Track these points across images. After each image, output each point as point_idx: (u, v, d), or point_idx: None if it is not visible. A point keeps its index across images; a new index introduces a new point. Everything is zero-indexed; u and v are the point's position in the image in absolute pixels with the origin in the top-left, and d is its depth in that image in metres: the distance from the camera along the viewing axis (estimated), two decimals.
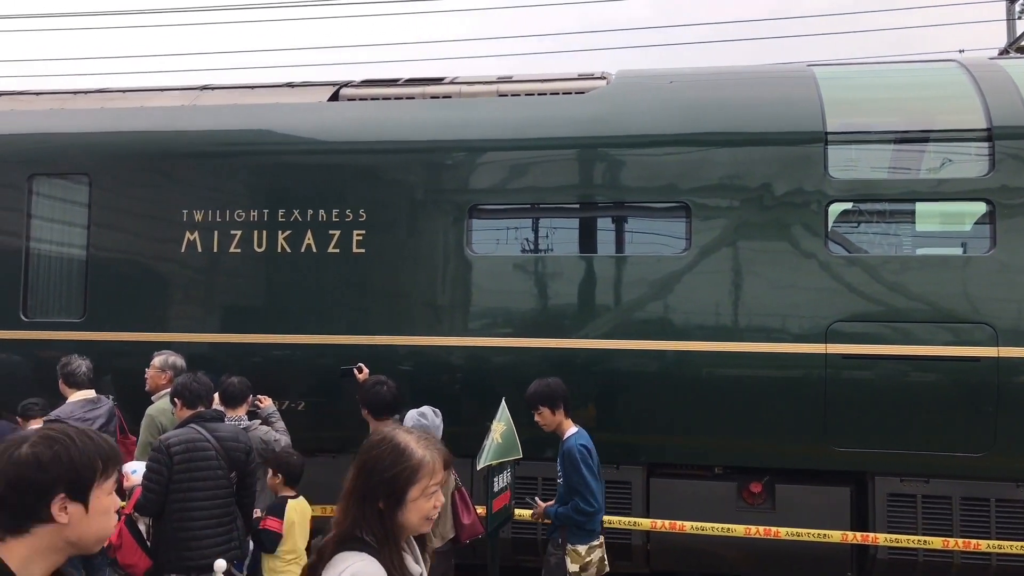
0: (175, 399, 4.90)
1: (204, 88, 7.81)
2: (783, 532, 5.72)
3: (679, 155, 6.36)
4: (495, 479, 4.30)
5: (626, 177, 6.44)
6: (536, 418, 4.65)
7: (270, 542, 4.91)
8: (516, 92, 7.07)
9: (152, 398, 5.85)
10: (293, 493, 5.11)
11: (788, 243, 6.18)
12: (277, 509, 4.96)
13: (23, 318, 7.07)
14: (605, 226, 6.81)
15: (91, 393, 5.84)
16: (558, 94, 6.94)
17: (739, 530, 5.78)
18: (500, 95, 7.09)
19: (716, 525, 5.81)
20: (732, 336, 6.12)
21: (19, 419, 5.86)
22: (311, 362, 6.69)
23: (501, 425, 4.49)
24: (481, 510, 4.70)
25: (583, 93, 6.85)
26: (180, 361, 5.99)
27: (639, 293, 6.32)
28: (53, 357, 6.29)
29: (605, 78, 7.08)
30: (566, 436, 4.68)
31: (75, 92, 8.06)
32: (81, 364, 5.91)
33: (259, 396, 5.91)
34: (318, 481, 5.73)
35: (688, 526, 5.82)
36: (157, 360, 5.97)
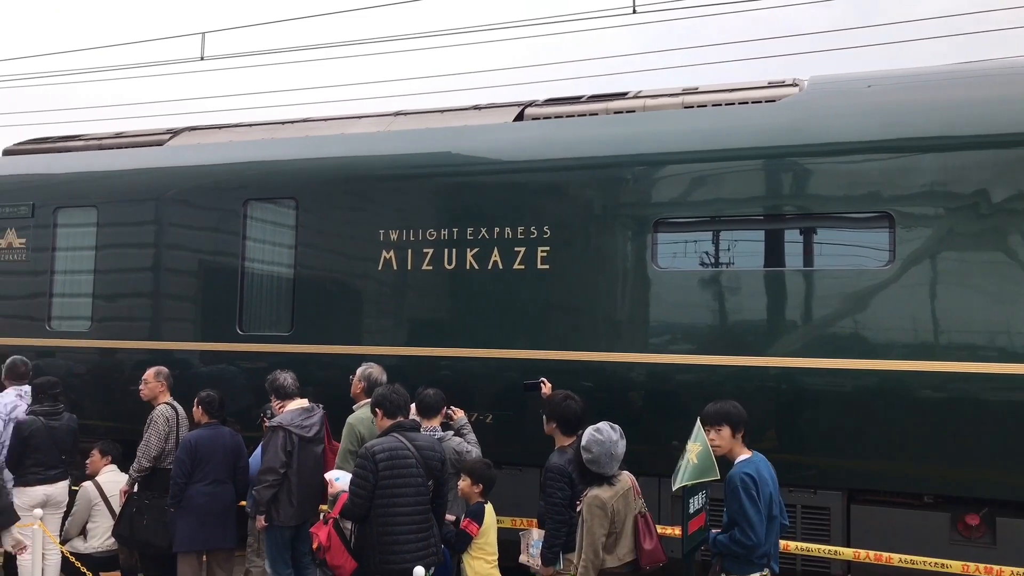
0: (376, 409, 5.13)
1: (398, 114, 8.22)
2: (1007, 572, 5.21)
3: (881, 162, 6.00)
4: (690, 500, 4.19)
5: (823, 187, 6.14)
6: (712, 436, 4.46)
7: (464, 544, 5.07)
8: (703, 103, 6.94)
9: (353, 407, 6.15)
10: (485, 501, 5.26)
11: (1006, 254, 5.67)
12: (477, 514, 5.11)
13: (239, 332, 7.68)
14: (798, 239, 6.50)
15: (304, 402, 6.21)
16: (747, 103, 6.75)
17: (955, 566, 5.32)
18: (686, 107, 6.98)
19: (929, 560, 5.38)
20: (943, 355, 5.67)
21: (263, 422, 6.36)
22: (498, 376, 6.83)
23: (697, 445, 4.36)
24: (664, 530, 4.60)
25: (774, 101, 6.62)
26: (377, 373, 6.24)
27: (835, 308, 6.01)
28: (265, 368, 6.79)
29: (797, 85, 6.81)
30: (736, 461, 4.42)
31: (283, 122, 8.71)
32: (287, 377, 6.29)
33: (452, 408, 6.09)
34: (503, 493, 5.85)
35: (896, 558, 5.42)
36: (358, 371, 6.27)
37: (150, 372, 6.75)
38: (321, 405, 6.30)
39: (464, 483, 5.34)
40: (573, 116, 7.31)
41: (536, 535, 5.02)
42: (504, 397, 6.79)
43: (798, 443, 6.03)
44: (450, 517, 5.34)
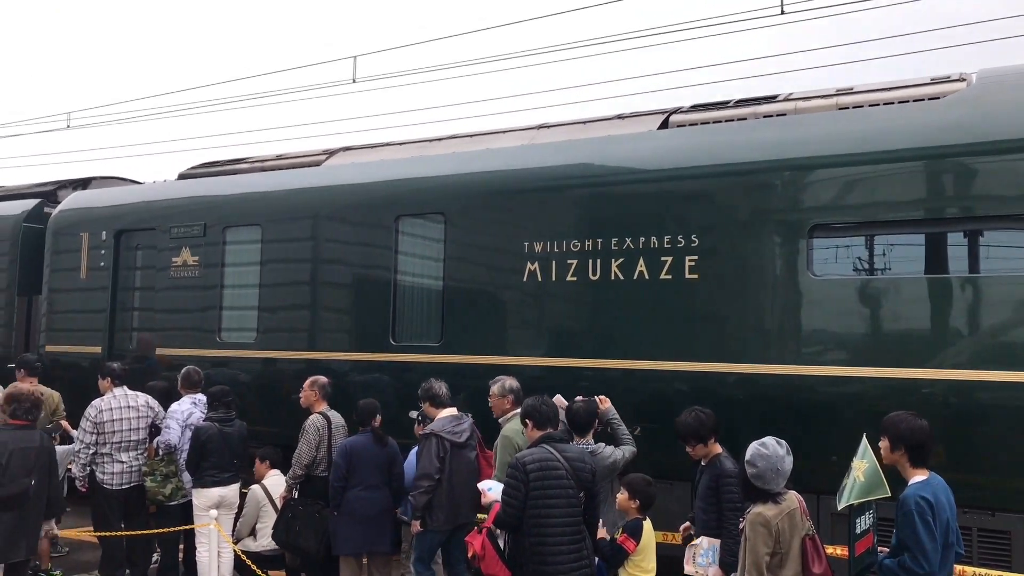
0: (526, 420, 5.17)
1: (541, 126, 8.31)
2: None
3: None
4: (857, 520, 3.97)
5: (998, 187, 5.73)
6: (881, 446, 4.19)
7: (620, 559, 5.03)
8: (859, 103, 6.63)
9: (500, 421, 6.21)
10: (643, 517, 5.21)
11: None
12: (635, 530, 5.06)
13: (392, 343, 7.96)
14: (965, 243, 6.10)
15: (454, 410, 6.36)
16: (908, 101, 6.39)
17: None
18: (841, 108, 6.69)
19: None
20: None
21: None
22: (644, 388, 6.76)
23: (863, 463, 4.13)
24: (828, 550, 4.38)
25: (939, 98, 6.24)
26: (515, 384, 6.26)
27: (1008, 316, 5.58)
28: (416, 378, 6.99)
29: (964, 80, 6.39)
30: (910, 482, 4.09)
31: (431, 139, 8.99)
32: (441, 385, 6.45)
33: (599, 397, 6.07)
34: (654, 507, 5.76)
35: None
36: (495, 387, 6.27)
37: (307, 382, 7.10)
38: (469, 414, 6.43)
39: (622, 496, 5.30)
40: (720, 121, 7.15)
41: (706, 544, 4.89)
42: (652, 409, 6.70)
43: (972, 461, 5.63)
44: (601, 532, 5.32)
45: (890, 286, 6.01)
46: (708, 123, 7.21)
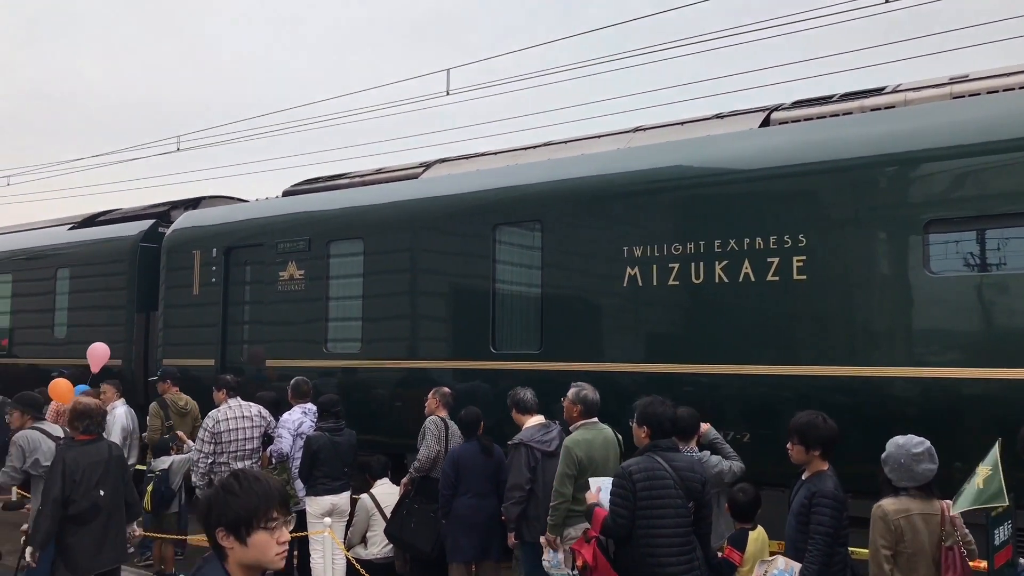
0: (643, 425, 4.97)
1: (637, 129, 8.22)
2: None
3: None
4: (995, 532, 3.76)
5: None
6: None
7: (728, 572, 4.89)
8: (975, 91, 6.31)
9: (570, 428, 6.06)
10: (751, 526, 5.05)
11: None
12: (738, 541, 4.93)
13: (492, 350, 8.00)
14: None
15: (541, 418, 6.33)
16: None
17: None
18: (955, 97, 6.38)
19: None
20: None
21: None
22: (751, 393, 6.58)
23: (987, 469, 3.93)
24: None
25: None
26: (591, 394, 5.98)
27: None
28: (515, 385, 6.96)
29: None
30: None
31: (525, 147, 9.01)
32: (527, 393, 6.42)
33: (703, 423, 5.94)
34: (767, 516, 5.59)
35: None
36: (570, 392, 6.05)
37: (431, 392, 7.26)
38: (557, 421, 6.36)
39: (727, 507, 5.17)
40: (825, 117, 6.92)
41: (782, 564, 4.64)
42: (759, 416, 6.52)
43: None
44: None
45: (1013, 282, 5.68)
46: (812, 119, 6.98)
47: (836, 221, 6.31)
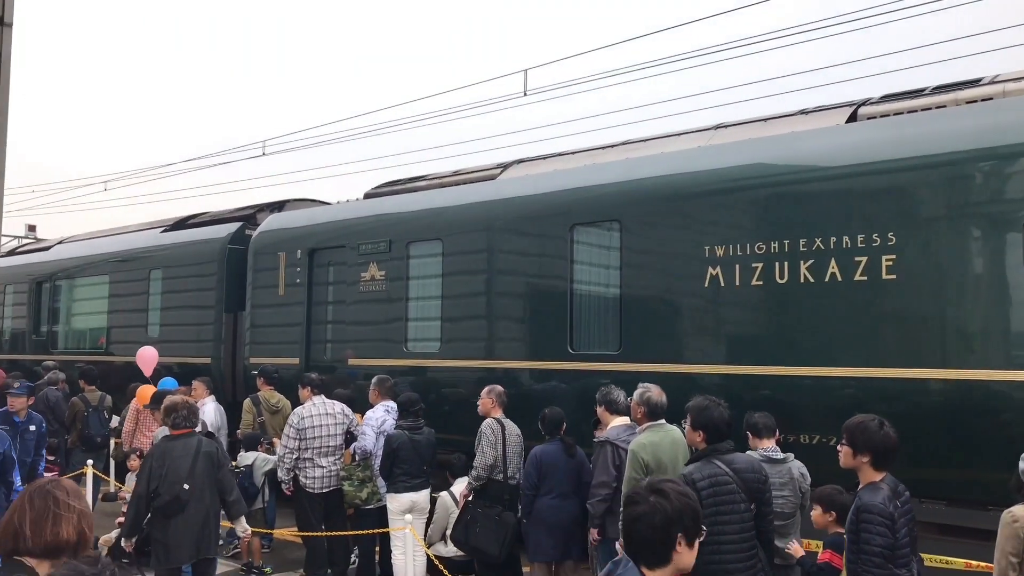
0: (699, 429, 4.86)
1: (718, 126, 8.09)
2: None
3: None
4: None
5: None
6: None
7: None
8: None
9: (637, 431, 5.98)
10: (843, 531, 4.91)
11: None
12: (837, 545, 4.77)
13: (570, 351, 7.99)
14: None
15: (628, 420, 6.28)
16: None
17: None
18: None
19: None
20: None
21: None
22: (837, 396, 6.39)
23: None
24: None
25: None
26: (656, 395, 5.87)
27: None
28: (595, 386, 6.95)
29: None
30: None
31: (603, 147, 8.97)
32: (620, 394, 6.38)
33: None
34: None
35: None
36: (635, 393, 5.98)
37: (485, 390, 7.24)
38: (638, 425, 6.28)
39: (816, 512, 5.02)
40: (916, 111, 6.68)
41: None
42: (846, 419, 6.32)
43: None
44: (795, 548, 5.06)
45: None
46: (902, 113, 6.75)
47: (928, 218, 6.09)
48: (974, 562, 5.50)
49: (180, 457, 6.06)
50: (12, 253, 18.26)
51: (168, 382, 9.83)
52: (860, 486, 4.22)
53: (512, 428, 7.06)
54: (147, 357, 10.67)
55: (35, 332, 15.47)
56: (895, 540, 3.96)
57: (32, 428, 7.89)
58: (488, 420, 7.03)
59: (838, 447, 4.34)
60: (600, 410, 6.39)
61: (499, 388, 7.27)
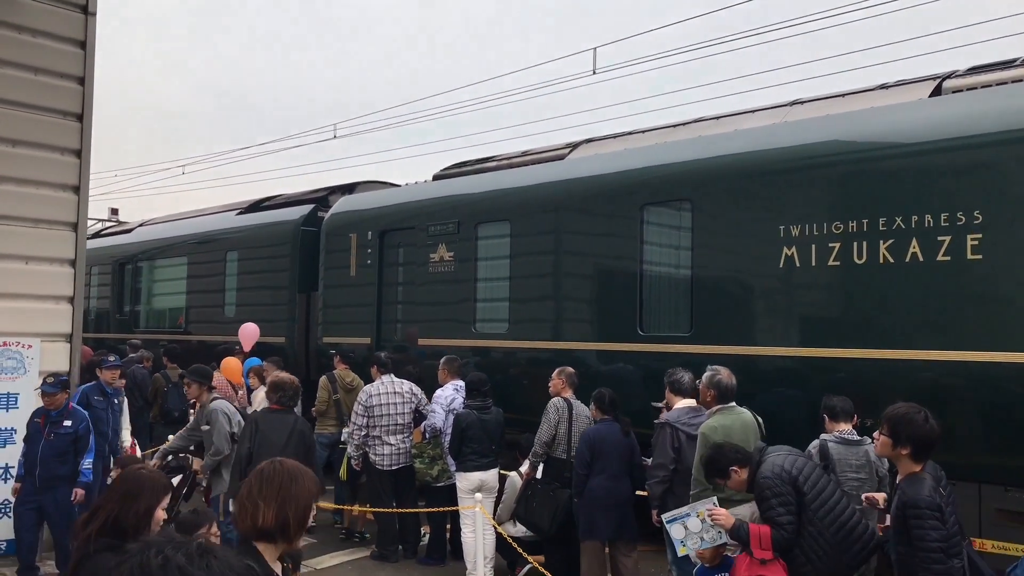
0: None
1: (794, 103, 7.87)
2: None
3: None
4: None
5: None
6: None
7: None
8: None
9: (707, 413, 5.91)
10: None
11: None
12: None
13: (640, 332, 7.92)
14: None
15: (693, 402, 6.19)
16: None
17: None
18: None
19: None
20: None
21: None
22: (916, 379, 6.18)
23: None
24: None
25: None
26: (726, 378, 5.82)
27: None
28: (665, 368, 6.86)
29: None
30: None
31: (674, 125, 8.82)
32: (685, 375, 6.30)
33: None
34: None
35: None
36: (705, 376, 5.94)
37: (556, 371, 7.24)
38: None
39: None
40: (1005, 83, 6.38)
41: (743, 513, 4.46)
42: (925, 403, 6.11)
43: None
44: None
45: None
46: (991, 86, 6.45)
47: (1016, 197, 5.82)
48: None
49: (277, 430, 6.31)
50: (96, 236, 18.98)
51: (253, 361, 10.12)
52: (900, 477, 4.05)
53: (581, 409, 7.04)
54: (249, 332, 11.04)
55: (119, 312, 16.06)
56: (948, 531, 3.82)
57: (116, 401, 8.21)
58: (555, 399, 7.04)
59: (874, 435, 4.17)
60: (668, 392, 6.34)
61: (570, 369, 7.26)
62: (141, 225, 17.05)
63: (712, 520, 4.76)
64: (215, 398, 7.28)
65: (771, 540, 4.45)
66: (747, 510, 4.87)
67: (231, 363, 9.98)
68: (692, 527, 4.87)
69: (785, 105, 7.94)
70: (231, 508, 6.41)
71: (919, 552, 3.80)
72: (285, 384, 6.60)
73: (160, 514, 3.18)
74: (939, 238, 6.08)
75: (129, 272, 15.86)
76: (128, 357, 11.59)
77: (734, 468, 4.80)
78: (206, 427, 7.08)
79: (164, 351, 11.14)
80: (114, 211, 22.24)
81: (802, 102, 7.83)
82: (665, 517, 5.09)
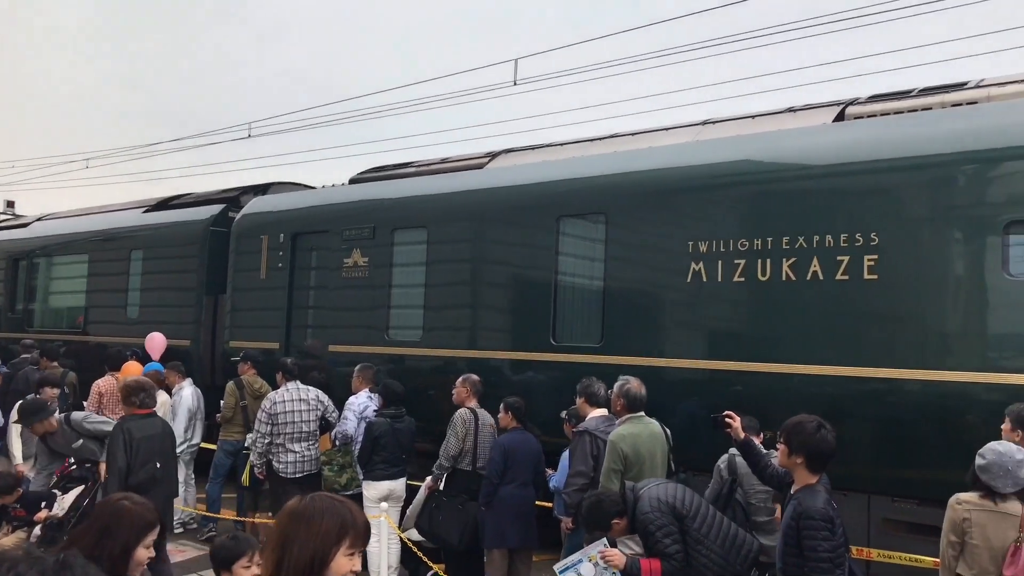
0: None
1: (706, 122, 8.09)
2: None
3: None
4: None
5: None
6: None
7: None
8: None
9: (616, 422, 6.01)
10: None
11: None
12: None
13: (552, 342, 7.98)
14: None
15: (606, 412, 6.29)
16: None
17: None
18: None
19: None
20: None
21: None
22: (815, 393, 6.42)
23: None
24: None
25: None
26: (636, 387, 5.94)
27: None
28: (576, 378, 6.93)
29: None
30: None
31: (592, 139, 8.95)
32: (601, 387, 6.40)
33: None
34: None
35: None
36: (616, 385, 6.05)
37: (459, 379, 7.25)
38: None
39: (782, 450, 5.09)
40: (903, 112, 6.71)
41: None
42: (823, 417, 6.35)
43: None
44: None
45: None
46: (889, 114, 6.78)
47: (912, 221, 6.12)
48: None
49: (150, 436, 6.11)
50: None
51: (152, 365, 9.78)
52: (795, 488, 4.12)
53: (486, 418, 7.05)
54: (157, 343, 10.67)
55: (11, 310, 15.29)
56: (836, 542, 3.91)
57: None
58: (461, 410, 7.02)
59: (777, 446, 4.26)
60: (580, 401, 6.40)
61: (474, 377, 7.26)
62: (39, 220, 16.29)
63: (605, 562, 4.73)
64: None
65: (661, 573, 4.51)
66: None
67: (131, 368, 9.62)
68: (586, 572, 4.84)
69: (698, 124, 8.16)
70: None
71: (809, 562, 3.87)
72: (144, 385, 6.36)
73: (142, 554, 2.77)
74: (838, 258, 6.33)
75: (24, 268, 15.13)
76: (20, 358, 11.05)
77: (615, 520, 4.81)
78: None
79: (42, 351, 10.67)
80: (10, 204, 21.19)
81: (714, 121, 8.07)
82: (557, 567, 5.01)
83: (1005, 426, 4.92)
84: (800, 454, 4.01)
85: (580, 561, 4.85)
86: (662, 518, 4.56)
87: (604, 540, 4.89)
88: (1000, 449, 4.24)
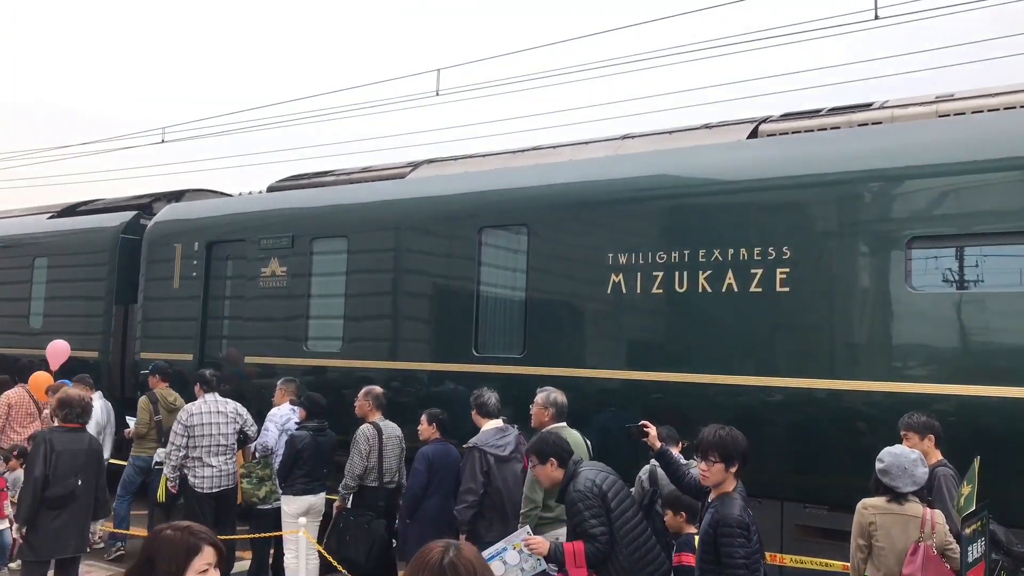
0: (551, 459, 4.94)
1: (625, 137, 8.24)
2: None
3: None
4: (968, 549, 3.80)
5: None
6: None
7: None
8: (960, 111, 6.38)
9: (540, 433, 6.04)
10: (695, 531, 5.05)
11: None
12: (688, 544, 4.92)
13: (475, 353, 7.98)
14: None
15: (499, 422, 6.28)
16: (1014, 108, 6.11)
17: None
18: (940, 115, 6.45)
19: None
20: None
21: None
22: (732, 403, 6.60)
23: (967, 487, 3.97)
24: None
25: None
26: (561, 398, 6.02)
27: None
28: (497, 389, 6.90)
29: None
30: None
31: (514, 151, 9.01)
32: (491, 397, 6.39)
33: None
34: None
35: None
36: (539, 397, 6.07)
37: (361, 392, 7.14)
38: (516, 425, 6.33)
39: (668, 517, 5.18)
40: (812, 131, 6.97)
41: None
42: (738, 426, 6.52)
43: None
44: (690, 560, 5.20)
45: (993, 300, 5.74)
46: (800, 132, 7.03)
47: (821, 235, 6.36)
48: None
49: (73, 451, 5.99)
50: None
51: (63, 381, 9.38)
52: (712, 496, 4.19)
53: (391, 431, 6.98)
54: (58, 350, 10.16)
55: None
56: (752, 548, 4.01)
57: None
58: (364, 427, 6.90)
59: (702, 466, 4.19)
60: (473, 413, 6.37)
61: (377, 390, 7.18)
62: None
63: (529, 549, 4.73)
64: None
65: (584, 556, 4.52)
66: (563, 530, 4.99)
67: (40, 379, 9.21)
68: (511, 560, 4.85)
69: (617, 138, 8.30)
70: (15, 535, 5.98)
71: (726, 569, 3.96)
72: (74, 401, 6.21)
73: None
74: (752, 271, 6.53)
75: None
76: None
77: (552, 460, 4.84)
78: None
79: None
80: None
81: (633, 136, 8.22)
82: (484, 555, 5.04)
83: (905, 438, 5.17)
84: (736, 462, 4.13)
85: (504, 549, 4.84)
86: (593, 499, 4.58)
87: (527, 528, 4.91)
88: (896, 451, 4.47)
